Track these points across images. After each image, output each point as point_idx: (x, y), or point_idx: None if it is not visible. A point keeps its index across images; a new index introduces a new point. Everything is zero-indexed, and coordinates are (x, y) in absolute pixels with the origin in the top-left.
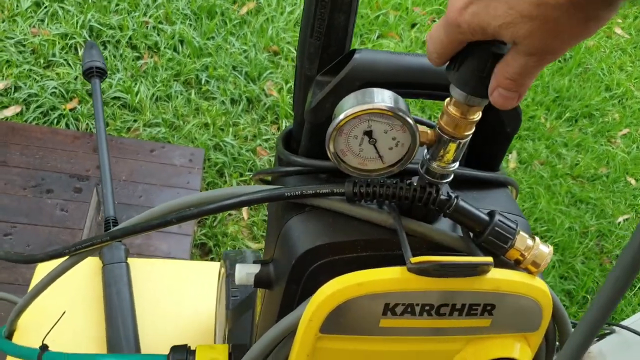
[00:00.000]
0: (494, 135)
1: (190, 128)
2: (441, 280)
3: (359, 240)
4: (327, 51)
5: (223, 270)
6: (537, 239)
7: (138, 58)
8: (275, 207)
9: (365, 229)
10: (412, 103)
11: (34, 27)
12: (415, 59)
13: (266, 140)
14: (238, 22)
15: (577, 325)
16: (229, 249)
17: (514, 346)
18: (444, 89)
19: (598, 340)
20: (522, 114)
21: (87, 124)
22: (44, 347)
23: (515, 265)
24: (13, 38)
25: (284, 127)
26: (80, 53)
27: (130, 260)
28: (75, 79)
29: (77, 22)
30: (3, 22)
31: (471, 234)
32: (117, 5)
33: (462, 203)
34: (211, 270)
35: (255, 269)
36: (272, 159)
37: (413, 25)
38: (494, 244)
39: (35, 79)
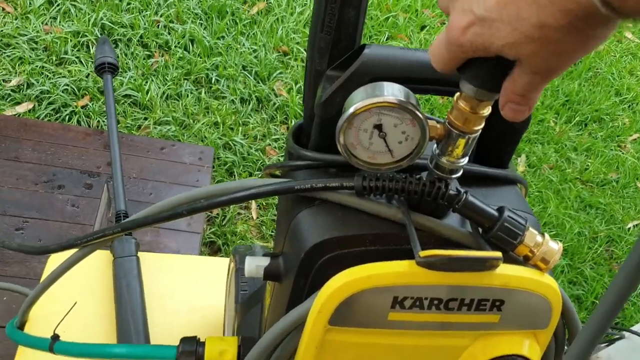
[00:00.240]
0: (504, 132)
1: (200, 127)
2: (450, 275)
3: (368, 234)
4: (337, 46)
5: (232, 264)
6: (547, 235)
7: (149, 56)
8: (285, 201)
9: (374, 223)
10: (420, 104)
11: (46, 24)
12: (424, 54)
13: (275, 140)
14: (248, 22)
15: (582, 327)
16: None
17: (523, 343)
18: (453, 84)
19: (607, 346)
20: (532, 117)
21: (98, 121)
22: (56, 337)
23: (525, 261)
24: (26, 35)
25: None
26: (92, 51)
27: (140, 254)
28: (87, 76)
29: (89, 20)
30: (16, 19)
31: (480, 230)
32: (128, 3)
33: (471, 198)
34: (220, 265)
35: (265, 261)
36: (282, 158)
37: (422, 28)
38: (503, 239)
39: (47, 76)
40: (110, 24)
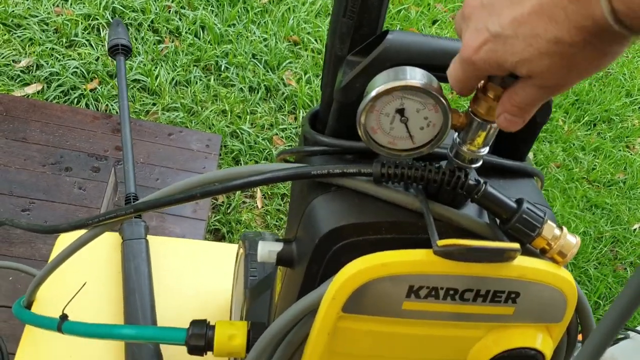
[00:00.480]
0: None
1: (208, 114)
2: (467, 265)
3: (384, 222)
4: (359, 31)
5: (242, 250)
6: (565, 229)
7: (159, 42)
8: (300, 186)
9: (391, 211)
10: None
11: (57, 6)
12: (447, 42)
13: (283, 130)
14: (260, 11)
15: (594, 329)
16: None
17: (536, 336)
18: None
19: (612, 345)
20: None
21: (107, 104)
22: (64, 317)
23: (541, 254)
24: (37, 16)
25: (301, 118)
26: (102, 34)
27: (149, 237)
28: (97, 59)
29: (100, 3)
30: (27, 0)
31: (497, 221)
32: None
33: (490, 189)
34: (229, 251)
35: (278, 247)
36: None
37: (434, 22)
38: (521, 231)
39: (57, 57)
40: (121, 7)
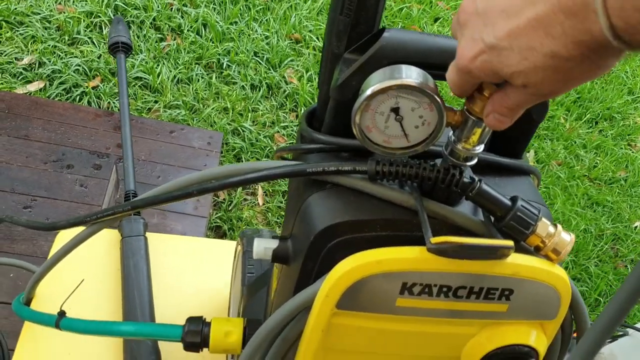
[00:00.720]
0: (519, 122)
1: (210, 112)
2: (460, 262)
3: (379, 219)
4: (356, 29)
5: (240, 247)
6: (559, 226)
7: (161, 40)
8: (296, 184)
9: (385, 208)
10: None
11: (59, 3)
12: (444, 40)
13: (284, 128)
14: (261, 8)
15: (591, 325)
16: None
17: (530, 333)
18: None
19: (611, 342)
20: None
21: (109, 102)
22: (62, 313)
23: (536, 251)
24: (39, 14)
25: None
26: (104, 32)
27: (148, 234)
28: (99, 57)
29: (102, 1)
30: None
31: (492, 219)
32: None
33: (485, 186)
34: (227, 248)
35: (274, 243)
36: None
37: (436, 20)
38: (515, 229)
39: (59, 55)
40: (123, 5)
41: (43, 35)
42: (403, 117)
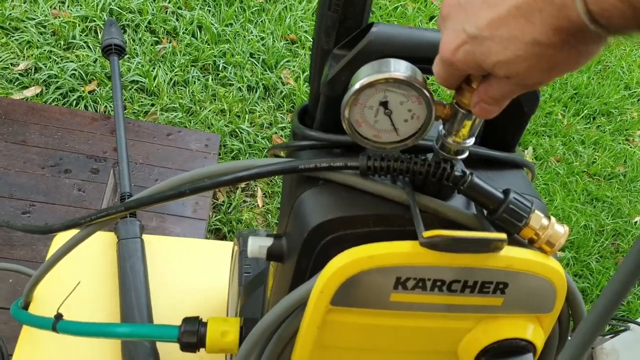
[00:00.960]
0: (511, 115)
1: (207, 114)
2: (453, 256)
3: (372, 214)
4: (344, 24)
5: (236, 248)
6: (553, 218)
7: (157, 43)
8: (289, 181)
9: (378, 203)
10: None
11: (54, 8)
12: (432, 34)
13: (282, 129)
14: (256, 10)
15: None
16: None
17: (526, 327)
18: None
19: (612, 337)
20: (539, 110)
21: (106, 106)
22: (59, 316)
23: (529, 244)
24: (34, 19)
25: None
26: (100, 36)
27: (145, 236)
28: (95, 61)
29: (97, 5)
30: (24, 2)
31: (485, 212)
32: None
33: (476, 180)
34: (224, 249)
35: (268, 242)
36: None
37: (431, 18)
38: (508, 221)
39: (55, 60)
40: (118, 9)
41: (38, 41)
42: (392, 111)
